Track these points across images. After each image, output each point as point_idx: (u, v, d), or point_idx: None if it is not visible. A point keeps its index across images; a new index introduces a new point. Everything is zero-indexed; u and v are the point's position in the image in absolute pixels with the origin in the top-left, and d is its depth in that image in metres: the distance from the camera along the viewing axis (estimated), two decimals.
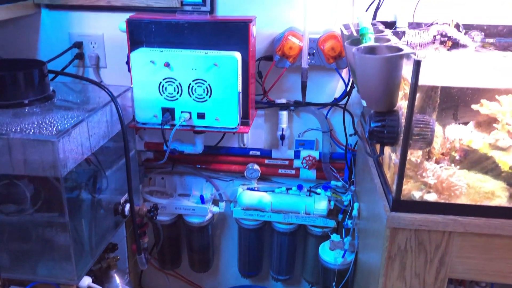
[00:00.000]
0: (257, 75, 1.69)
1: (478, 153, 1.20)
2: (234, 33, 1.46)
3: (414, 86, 0.98)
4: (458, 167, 1.17)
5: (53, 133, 1.18)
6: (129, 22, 1.50)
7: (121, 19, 1.60)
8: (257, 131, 1.79)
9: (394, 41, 1.16)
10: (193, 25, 1.47)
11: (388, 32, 1.28)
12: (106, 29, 1.70)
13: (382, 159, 1.28)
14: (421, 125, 1.06)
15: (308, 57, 1.60)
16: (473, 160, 1.21)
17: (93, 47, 1.74)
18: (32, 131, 1.20)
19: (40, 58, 1.77)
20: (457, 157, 1.23)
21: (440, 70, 1.05)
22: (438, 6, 1.58)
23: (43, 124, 1.24)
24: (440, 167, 1.14)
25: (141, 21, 1.49)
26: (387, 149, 1.18)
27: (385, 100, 1.06)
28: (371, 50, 1.11)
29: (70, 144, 1.23)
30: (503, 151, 1.20)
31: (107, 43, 1.74)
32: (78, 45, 1.74)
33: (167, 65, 1.44)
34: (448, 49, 1.44)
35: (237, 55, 1.44)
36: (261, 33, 1.65)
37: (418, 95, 1.09)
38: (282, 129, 1.73)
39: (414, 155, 1.19)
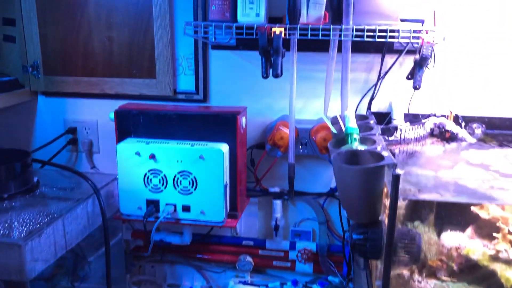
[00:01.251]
0: (250, 162, 1.64)
1: (478, 265, 1.09)
2: (222, 125, 1.43)
3: (394, 202, 0.90)
4: (455, 280, 1.06)
5: (22, 235, 1.14)
6: (118, 113, 1.48)
7: (114, 106, 1.59)
8: (250, 220, 1.72)
9: (380, 143, 1.10)
10: (181, 117, 1.45)
11: (377, 130, 1.22)
12: (100, 115, 1.70)
13: (371, 269, 1.18)
14: (406, 241, 0.97)
15: (301, 147, 1.54)
16: (472, 272, 1.09)
17: (87, 132, 1.74)
18: (1, 232, 1.16)
19: (35, 143, 1.78)
20: (455, 268, 1.12)
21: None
22: (436, 96, 1.52)
23: (16, 223, 1.20)
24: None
25: (129, 112, 1.47)
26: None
27: (367, 211, 0.98)
28: (353, 156, 1.05)
29: (41, 245, 1.17)
30: (506, 264, 1.08)
31: (101, 129, 1.73)
32: (72, 130, 1.74)
33: (152, 157, 1.41)
34: (446, 143, 1.37)
35: (224, 148, 1.40)
36: (254, 121, 1.62)
37: (403, 203, 1.01)
38: (276, 218, 1.65)
39: (403, 268, 1.08)
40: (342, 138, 1.17)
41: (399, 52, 1.48)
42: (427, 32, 1.17)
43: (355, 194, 0.97)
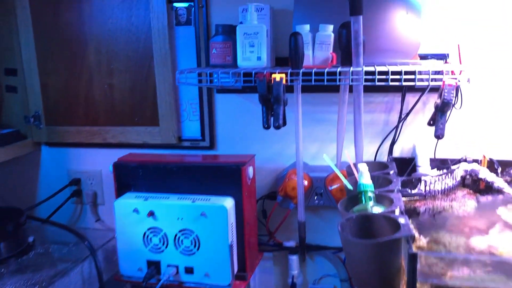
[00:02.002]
0: (261, 214, 1.50)
1: None
2: (226, 177, 1.30)
3: (412, 285, 0.74)
4: None
5: None
6: (116, 166, 1.39)
7: (118, 155, 1.50)
8: (265, 276, 1.57)
9: (398, 204, 0.94)
10: (183, 169, 1.33)
11: (397, 185, 1.06)
12: (104, 165, 1.62)
13: None
14: None
15: (316, 197, 1.40)
16: None
17: (91, 183, 1.65)
18: None
19: (40, 195, 1.70)
20: None
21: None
22: (467, 138, 1.35)
23: None
24: None
25: (128, 165, 1.37)
26: None
27: None
28: (365, 221, 0.90)
29: None
30: None
31: (105, 179, 1.64)
32: (76, 182, 1.65)
33: (151, 214, 1.29)
34: (479, 195, 1.19)
35: (228, 203, 1.27)
36: (264, 168, 1.49)
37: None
38: (293, 276, 1.49)
39: None
40: (355, 195, 1.02)
41: (421, 90, 1.33)
42: (449, 73, 1.02)
43: (366, 270, 0.82)
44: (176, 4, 1.45)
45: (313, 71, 1.06)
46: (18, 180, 1.71)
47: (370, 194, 0.99)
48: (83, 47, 1.53)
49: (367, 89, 1.21)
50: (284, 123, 1.12)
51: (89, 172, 1.64)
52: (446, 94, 0.97)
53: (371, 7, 1.20)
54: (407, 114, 1.35)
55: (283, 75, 1.07)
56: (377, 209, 0.98)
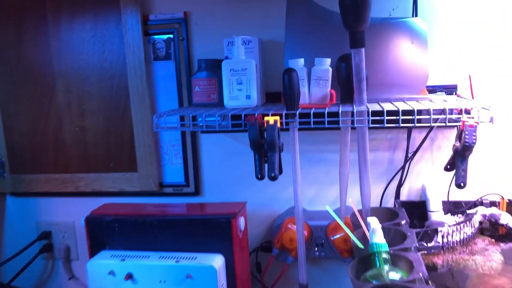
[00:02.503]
0: (255, 268, 1.34)
1: None
2: (214, 231, 1.14)
3: None
4: None
5: None
6: (89, 221, 1.22)
7: (92, 204, 1.34)
8: None
9: (419, 268, 0.79)
10: (164, 223, 1.17)
11: (413, 242, 0.91)
12: (77, 216, 1.44)
13: None
14: None
15: (317, 249, 1.24)
16: None
17: (63, 236, 1.47)
18: None
19: (6, 252, 1.52)
20: None
21: None
22: (482, 177, 1.21)
23: None
24: None
25: (102, 219, 1.21)
26: None
27: None
28: None
29: None
30: None
31: (79, 232, 1.46)
32: (46, 235, 1.47)
33: (129, 277, 1.12)
34: (501, 243, 1.05)
35: (217, 262, 1.10)
36: (257, 215, 1.34)
37: None
38: None
39: None
40: (367, 256, 0.87)
41: (429, 126, 1.19)
42: (467, 111, 0.89)
43: None
44: (154, 37, 1.31)
45: (311, 111, 0.92)
46: None
47: (384, 256, 0.85)
48: (51, 86, 1.37)
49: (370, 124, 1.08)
50: (280, 172, 0.97)
51: (61, 224, 1.47)
52: (467, 137, 0.84)
53: (372, 37, 1.07)
54: (415, 153, 1.22)
55: (277, 118, 0.92)
56: (394, 275, 0.83)
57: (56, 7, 1.33)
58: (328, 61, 1.03)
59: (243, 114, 0.95)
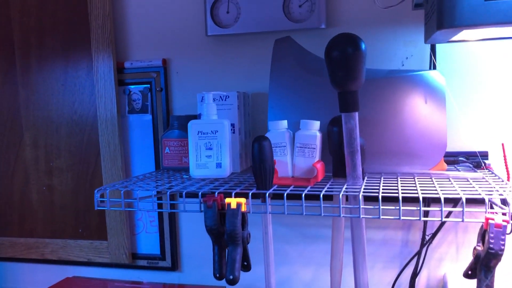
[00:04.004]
0: None
1: None
2: None
3: None
4: None
5: None
6: None
7: (60, 272, 1.18)
8: None
9: None
10: None
11: None
12: (45, 284, 1.27)
13: None
14: None
15: None
16: None
17: None
18: None
19: None
20: None
21: None
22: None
23: None
24: None
25: None
26: None
27: None
28: None
29: None
30: None
31: None
32: None
33: None
34: None
35: None
36: None
37: None
38: None
39: None
40: None
41: (453, 200, 0.96)
42: (491, 207, 0.65)
43: None
44: (129, 87, 1.15)
45: (285, 193, 0.71)
46: None
47: None
48: (18, 140, 1.23)
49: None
50: (248, 269, 0.75)
51: None
52: (492, 241, 0.60)
53: (376, 94, 0.87)
54: (434, 234, 0.97)
55: (243, 200, 0.72)
56: None
57: (25, 51, 1.19)
58: (316, 124, 0.82)
59: (200, 193, 0.75)
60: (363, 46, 0.70)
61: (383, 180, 0.80)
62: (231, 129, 0.94)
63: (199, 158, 0.86)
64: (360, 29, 0.99)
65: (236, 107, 0.94)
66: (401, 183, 0.76)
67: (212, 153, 0.86)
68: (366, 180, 0.80)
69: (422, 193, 0.67)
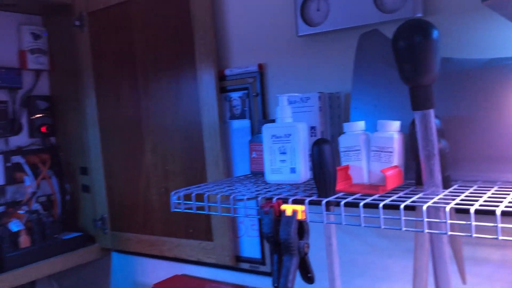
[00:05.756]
0: None
1: None
2: None
3: None
4: None
5: None
6: None
7: (177, 270, 1.27)
8: None
9: None
10: None
11: None
12: (163, 279, 1.37)
13: None
14: None
15: None
16: None
17: None
18: None
19: None
20: None
21: None
22: None
23: None
24: None
25: None
26: None
27: None
28: None
29: None
30: None
31: None
32: None
33: None
34: None
35: None
36: None
37: None
38: None
39: None
40: None
41: None
42: None
43: None
44: (230, 94, 1.18)
45: (342, 202, 0.64)
46: (93, 286, 1.59)
47: None
48: (140, 147, 1.36)
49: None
50: (311, 281, 0.70)
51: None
52: None
53: (471, 88, 0.74)
54: None
55: (299, 208, 0.67)
56: None
57: (144, 65, 1.32)
58: (394, 125, 0.73)
59: (258, 199, 0.72)
60: (434, 33, 0.60)
61: (475, 190, 0.67)
62: (312, 132, 0.89)
63: (274, 163, 0.84)
64: (465, 16, 0.85)
65: (317, 109, 0.89)
66: (500, 194, 0.63)
67: (286, 158, 0.83)
68: (455, 189, 0.68)
69: None
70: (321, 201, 0.68)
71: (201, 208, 0.81)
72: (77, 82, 1.46)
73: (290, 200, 0.69)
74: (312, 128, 0.89)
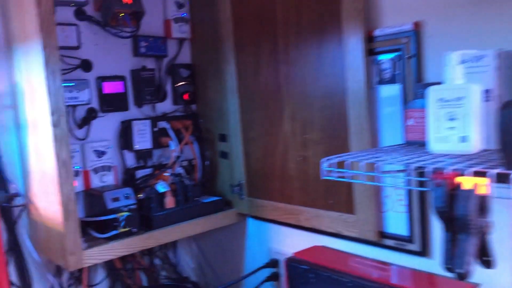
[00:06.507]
0: None
1: None
2: None
3: None
4: None
5: None
6: (288, 264, 1.11)
7: (314, 240, 1.25)
8: None
9: None
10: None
11: None
12: (299, 249, 1.35)
13: None
14: None
15: None
16: None
17: None
18: None
19: (245, 267, 1.58)
20: None
21: None
22: None
23: None
24: None
25: (299, 266, 1.08)
26: None
27: None
28: None
29: None
30: None
31: None
32: (275, 263, 1.45)
33: None
34: None
35: None
36: None
37: None
38: None
39: None
40: None
41: None
42: None
43: None
44: (379, 57, 1.09)
45: None
46: (227, 251, 1.64)
47: None
48: (279, 114, 1.33)
49: None
50: (489, 265, 0.61)
51: (287, 255, 1.41)
52: None
53: None
54: None
55: (481, 181, 0.58)
56: None
57: (285, 29, 1.27)
58: None
59: (431, 169, 0.64)
60: None
61: None
62: (486, 97, 0.77)
63: (440, 130, 0.74)
64: None
65: (493, 69, 0.77)
66: None
67: (455, 124, 0.73)
68: None
69: None
70: (509, 174, 0.57)
71: (355, 177, 0.75)
72: (217, 49, 1.48)
73: (468, 171, 0.60)
74: (486, 92, 0.77)
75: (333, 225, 1.23)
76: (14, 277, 1.32)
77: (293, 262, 1.10)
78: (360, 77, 1.10)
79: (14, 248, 1.32)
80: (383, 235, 1.13)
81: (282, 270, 1.43)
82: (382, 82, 1.09)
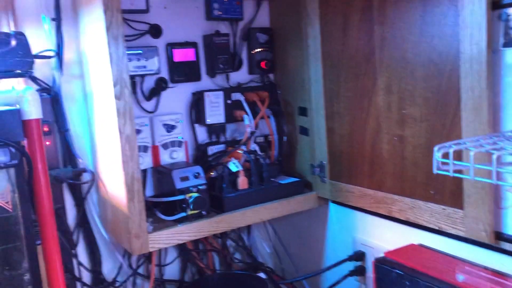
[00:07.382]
0: None
1: None
2: None
3: None
4: None
5: None
6: (377, 266, 0.93)
7: (409, 235, 1.06)
8: None
9: None
10: None
11: None
12: (391, 244, 1.16)
13: None
14: None
15: None
16: None
17: None
18: None
19: (327, 259, 1.41)
20: None
21: None
22: None
23: None
24: None
25: (392, 269, 0.89)
26: None
27: None
28: None
29: None
30: None
31: None
32: (360, 256, 1.27)
33: None
34: None
35: None
36: None
37: None
38: None
39: None
40: None
41: None
42: None
43: None
44: (506, 10, 0.84)
45: None
46: (305, 238, 1.48)
47: None
48: (371, 84, 1.12)
49: None
50: None
51: (374, 248, 1.22)
52: None
53: None
54: None
55: None
56: None
57: None
58: None
59: None
60: None
61: None
62: None
63: None
64: None
65: None
66: None
67: None
68: None
69: None
70: None
71: (479, 173, 0.55)
72: (300, 10, 1.28)
73: None
74: None
75: (433, 219, 1.02)
76: (83, 256, 1.28)
77: (384, 264, 0.92)
78: (480, 37, 0.86)
79: (83, 225, 1.27)
80: (501, 236, 0.91)
81: (368, 264, 1.25)
82: (509, 44, 0.85)
